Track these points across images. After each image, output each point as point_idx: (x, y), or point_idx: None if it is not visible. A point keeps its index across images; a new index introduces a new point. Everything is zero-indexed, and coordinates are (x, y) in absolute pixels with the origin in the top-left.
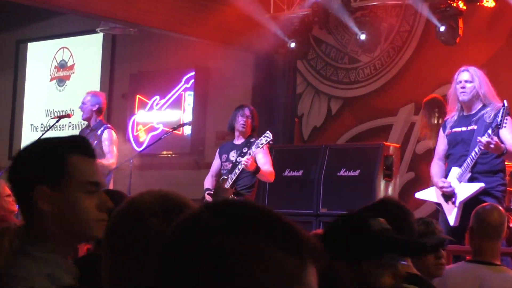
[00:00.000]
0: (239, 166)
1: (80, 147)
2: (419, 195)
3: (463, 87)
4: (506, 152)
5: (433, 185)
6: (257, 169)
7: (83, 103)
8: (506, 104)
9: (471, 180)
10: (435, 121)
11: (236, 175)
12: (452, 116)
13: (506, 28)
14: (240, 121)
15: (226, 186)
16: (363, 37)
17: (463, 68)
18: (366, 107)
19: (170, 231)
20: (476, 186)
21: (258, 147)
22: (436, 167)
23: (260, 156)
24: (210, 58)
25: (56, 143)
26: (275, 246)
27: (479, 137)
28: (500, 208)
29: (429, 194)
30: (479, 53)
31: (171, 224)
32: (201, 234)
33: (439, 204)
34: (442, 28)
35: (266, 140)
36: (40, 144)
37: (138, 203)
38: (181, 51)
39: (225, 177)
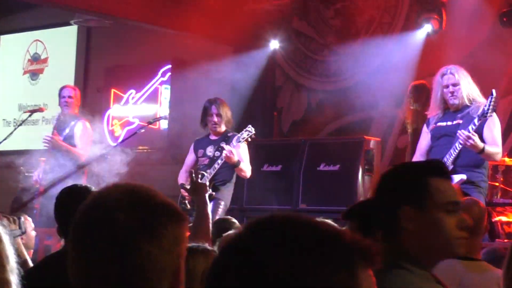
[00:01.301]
0: (219, 161)
1: (438, 169)
2: None
3: (452, 92)
4: (484, 151)
5: None
6: (238, 162)
7: (70, 97)
8: (494, 94)
9: (452, 173)
10: (418, 108)
11: (215, 170)
12: (436, 114)
13: (491, 15)
14: (210, 121)
15: (203, 181)
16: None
17: (445, 70)
18: (347, 101)
19: (216, 262)
20: (457, 178)
21: (240, 141)
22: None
23: (239, 151)
24: (187, 51)
25: (417, 167)
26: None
27: (459, 131)
28: (481, 202)
29: None
30: (464, 42)
31: (142, 222)
32: (256, 268)
33: None
34: (425, 22)
35: (248, 134)
36: (403, 168)
37: (104, 197)
38: (157, 44)
39: (203, 172)
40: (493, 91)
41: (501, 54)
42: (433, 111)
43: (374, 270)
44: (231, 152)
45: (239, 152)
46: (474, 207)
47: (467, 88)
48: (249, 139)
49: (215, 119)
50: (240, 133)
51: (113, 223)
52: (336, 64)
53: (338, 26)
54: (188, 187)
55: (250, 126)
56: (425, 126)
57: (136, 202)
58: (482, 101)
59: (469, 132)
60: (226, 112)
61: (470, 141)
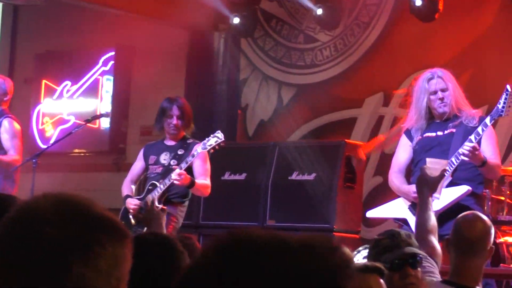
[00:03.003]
0: (166, 181)
1: None
2: (372, 213)
3: (442, 98)
4: (486, 164)
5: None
6: (192, 183)
7: None
8: (510, 89)
9: (451, 185)
10: None
11: (170, 181)
12: (416, 124)
13: (495, 2)
14: (169, 124)
15: (154, 193)
16: (319, 11)
17: (429, 74)
18: (325, 97)
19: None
20: (463, 189)
21: (206, 148)
22: (398, 177)
23: (198, 164)
24: (135, 35)
25: None
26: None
27: (466, 142)
28: (486, 219)
29: (386, 211)
30: (463, 32)
31: (75, 238)
32: None
33: (402, 220)
34: (418, 2)
35: (216, 142)
36: None
37: (32, 209)
38: (98, 26)
39: (155, 182)
40: (508, 86)
41: (509, 42)
42: (415, 121)
43: None
44: (180, 175)
45: (196, 165)
46: (477, 223)
47: (456, 95)
48: (217, 148)
49: (175, 121)
50: (207, 139)
51: (41, 239)
52: (313, 52)
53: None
54: (134, 203)
55: (219, 131)
56: (404, 137)
57: (69, 215)
58: (471, 111)
59: (472, 142)
60: (189, 114)
61: (477, 153)
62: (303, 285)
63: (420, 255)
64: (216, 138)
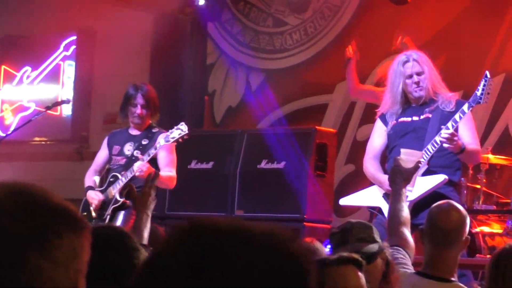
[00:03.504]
0: (128, 174)
1: None
2: (345, 201)
3: (417, 82)
4: (464, 150)
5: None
6: (156, 175)
7: None
8: (488, 75)
9: (428, 173)
10: None
11: (133, 173)
12: (391, 108)
13: None
14: (133, 113)
15: (116, 185)
16: None
17: (404, 57)
18: (295, 83)
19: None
20: (439, 178)
21: (168, 141)
22: (373, 163)
23: (163, 154)
24: (97, 19)
25: None
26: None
27: (443, 130)
28: (461, 208)
29: (359, 199)
30: (437, 15)
31: (31, 229)
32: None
33: (376, 208)
34: None
35: (180, 134)
36: None
37: None
38: (59, 10)
39: (117, 174)
40: (487, 72)
41: (488, 22)
42: (390, 106)
43: None
44: (141, 169)
45: (161, 156)
46: (452, 213)
47: (432, 78)
48: (181, 140)
49: (139, 111)
50: (170, 131)
51: None
52: (283, 36)
53: None
54: (96, 194)
55: (183, 123)
56: (379, 122)
57: (24, 205)
58: (447, 94)
59: (449, 129)
60: (154, 103)
61: (455, 138)
62: (266, 275)
63: (365, 255)
64: (179, 131)
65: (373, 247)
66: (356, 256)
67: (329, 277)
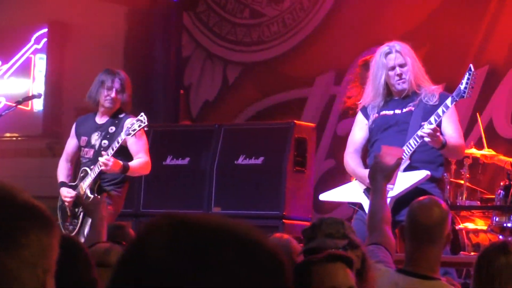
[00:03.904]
0: (96, 169)
1: None
2: (325, 196)
3: (400, 74)
4: (446, 145)
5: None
6: (125, 168)
7: None
8: (472, 69)
9: (410, 169)
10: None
11: (99, 169)
12: (374, 101)
13: None
14: (106, 95)
15: (86, 180)
16: None
17: (387, 48)
18: (273, 76)
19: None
20: (421, 174)
21: (129, 134)
22: (354, 158)
23: (132, 141)
24: (69, 11)
25: None
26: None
27: (426, 125)
28: (442, 204)
29: (339, 194)
30: (417, 5)
31: None
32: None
33: (357, 204)
34: None
35: (140, 126)
36: None
37: None
38: (30, 1)
39: (87, 168)
40: (471, 65)
41: (471, 12)
42: (372, 98)
43: None
44: (107, 164)
45: (129, 145)
46: (433, 209)
47: (415, 70)
48: (142, 130)
49: (114, 95)
50: (130, 123)
51: None
52: (260, 28)
53: None
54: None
55: (142, 114)
56: (360, 115)
57: None
58: (430, 87)
59: (431, 123)
60: (129, 92)
61: (437, 134)
62: (248, 273)
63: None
64: (139, 122)
65: (340, 242)
66: (345, 253)
67: (317, 275)
